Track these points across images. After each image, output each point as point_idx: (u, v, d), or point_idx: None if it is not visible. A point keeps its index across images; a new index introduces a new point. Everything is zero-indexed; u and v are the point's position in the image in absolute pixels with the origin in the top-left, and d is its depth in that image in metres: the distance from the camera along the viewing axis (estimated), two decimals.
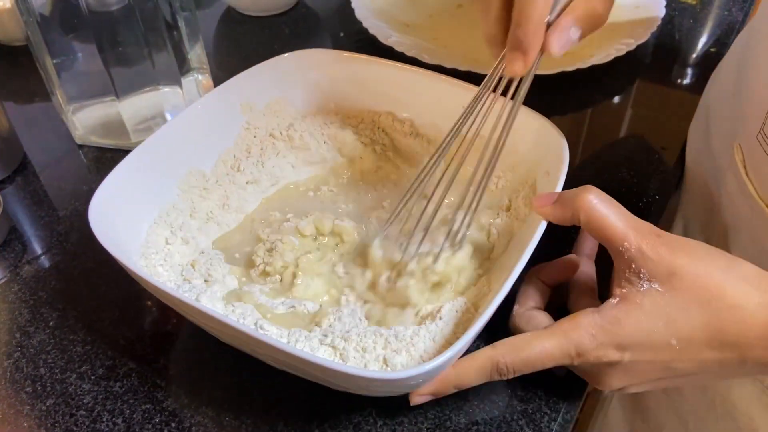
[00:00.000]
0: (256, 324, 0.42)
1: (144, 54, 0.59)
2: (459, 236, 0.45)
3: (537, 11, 0.37)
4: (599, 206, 0.38)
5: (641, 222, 0.38)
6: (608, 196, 0.39)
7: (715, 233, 0.52)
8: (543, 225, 0.40)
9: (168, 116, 0.63)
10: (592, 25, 0.40)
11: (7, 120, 0.60)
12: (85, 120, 0.63)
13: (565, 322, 0.38)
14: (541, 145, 0.47)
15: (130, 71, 0.60)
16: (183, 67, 0.62)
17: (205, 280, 0.45)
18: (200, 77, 0.65)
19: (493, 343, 0.39)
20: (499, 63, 0.41)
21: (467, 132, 0.43)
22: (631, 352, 0.37)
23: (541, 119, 0.48)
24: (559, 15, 0.39)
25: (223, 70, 0.73)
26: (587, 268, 0.45)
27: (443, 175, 0.45)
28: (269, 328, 0.41)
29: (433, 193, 0.46)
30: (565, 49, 0.39)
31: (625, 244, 0.37)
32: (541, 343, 0.38)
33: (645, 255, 0.37)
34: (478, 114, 0.43)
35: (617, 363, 0.37)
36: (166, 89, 0.62)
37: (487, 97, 0.42)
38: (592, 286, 0.44)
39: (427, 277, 0.44)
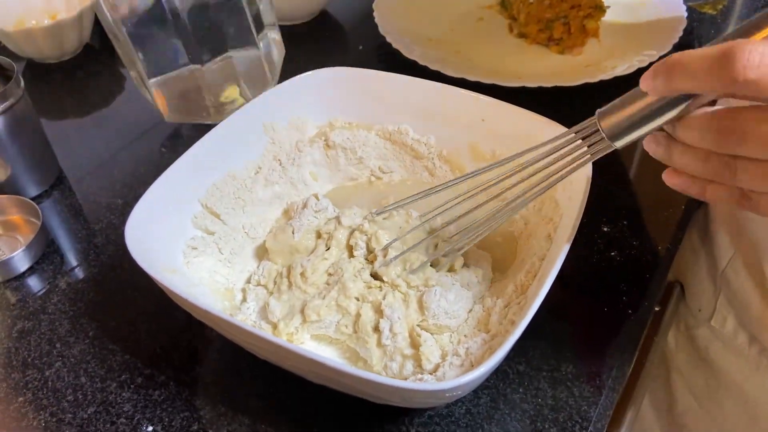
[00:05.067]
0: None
1: (222, 17, 0.60)
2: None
3: None
4: None
5: None
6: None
7: (745, 244, 0.52)
8: (566, 249, 0.40)
9: (243, 83, 0.64)
10: None
11: (44, 136, 0.62)
12: (168, 94, 0.64)
13: None
14: None
15: (207, 37, 0.60)
16: (258, 28, 0.64)
17: (243, 297, 0.46)
18: (274, 36, 0.66)
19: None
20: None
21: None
22: None
23: (563, 130, 0.48)
24: None
25: None
26: None
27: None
28: (309, 343, 0.42)
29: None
30: None
31: None
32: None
33: None
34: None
35: None
36: (243, 52, 0.63)
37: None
38: None
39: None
